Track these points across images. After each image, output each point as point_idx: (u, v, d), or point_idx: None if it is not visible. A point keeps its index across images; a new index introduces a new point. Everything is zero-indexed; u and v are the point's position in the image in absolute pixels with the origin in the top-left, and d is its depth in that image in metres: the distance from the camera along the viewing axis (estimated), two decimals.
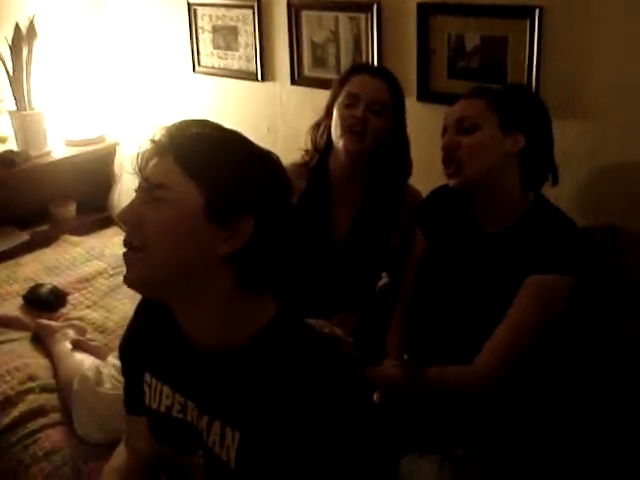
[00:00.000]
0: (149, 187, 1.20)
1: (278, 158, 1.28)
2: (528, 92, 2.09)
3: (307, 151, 2.37)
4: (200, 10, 3.49)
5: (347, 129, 2.16)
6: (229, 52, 3.43)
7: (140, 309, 1.50)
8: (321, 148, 2.31)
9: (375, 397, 1.87)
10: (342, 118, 2.18)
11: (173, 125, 1.24)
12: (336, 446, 1.18)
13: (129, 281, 1.24)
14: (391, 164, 2.27)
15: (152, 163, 1.21)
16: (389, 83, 2.22)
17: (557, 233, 1.82)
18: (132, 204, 1.22)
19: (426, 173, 2.27)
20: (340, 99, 2.21)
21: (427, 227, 2.13)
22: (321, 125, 2.31)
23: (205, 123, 1.26)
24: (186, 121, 1.25)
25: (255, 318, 1.26)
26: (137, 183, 1.24)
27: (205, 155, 1.19)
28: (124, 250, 1.23)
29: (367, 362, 1.80)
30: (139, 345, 1.45)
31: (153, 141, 1.22)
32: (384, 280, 2.47)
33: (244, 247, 1.19)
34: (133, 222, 1.21)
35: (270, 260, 1.25)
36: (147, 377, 1.41)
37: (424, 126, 2.34)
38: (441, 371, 1.84)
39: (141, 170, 1.23)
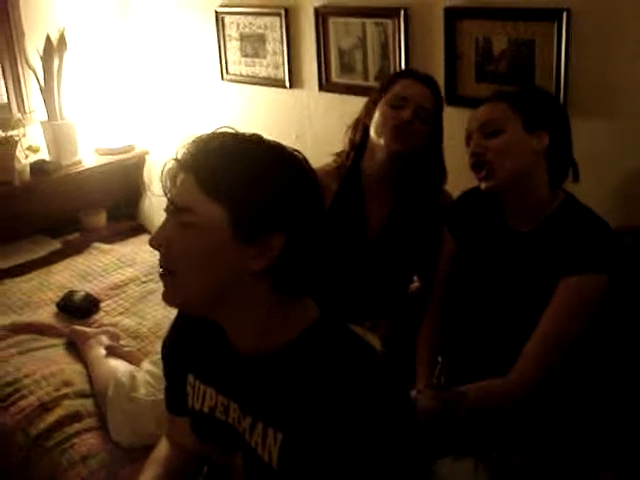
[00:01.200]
0: (175, 210, 1.22)
1: (306, 161, 1.27)
2: (545, 92, 2.09)
3: (339, 154, 2.38)
4: (228, 18, 3.52)
5: (391, 129, 2.16)
6: (257, 59, 3.46)
7: (182, 311, 1.52)
8: (356, 146, 2.32)
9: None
10: (387, 117, 2.18)
11: (194, 142, 1.23)
12: (375, 450, 1.18)
13: (167, 302, 1.28)
14: (425, 170, 2.28)
15: (176, 185, 1.22)
16: (435, 93, 2.24)
17: (588, 232, 1.82)
18: (162, 227, 1.24)
19: (455, 176, 2.28)
20: (385, 99, 2.21)
21: (456, 229, 2.14)
22: (359, 124, 2.31)
23: (228, 136, 1.25)
24: (208, 136, 1.24)
25: (297, 321, 1.27)
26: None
27: (227, 175, 1.18)
28: (160, 271, 1.26)
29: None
30: (182, 347, 1.47)
31: (176, 160, 1.23)
32: (416, 284, 2.48)
33: (277, 261, 1.19)
34: (163, 246, 1.23)
35: (304, 268, 1.25)
36: (190, 378, 1.43)
37: (452, 130, 2.34)
38: (477, 389, 1.82)
39: (166, 192, 1.24)
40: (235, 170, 1.18)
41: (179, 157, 1.22)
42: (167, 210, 1.24)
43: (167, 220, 1.24)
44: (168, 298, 1.27)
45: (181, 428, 1.51)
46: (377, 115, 2.22)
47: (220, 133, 1.25)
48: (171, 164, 1.23)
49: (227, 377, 1.35)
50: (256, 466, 1.28)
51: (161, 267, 1.25)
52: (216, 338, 1.33)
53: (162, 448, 1.60)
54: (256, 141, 1.25)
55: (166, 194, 1.24)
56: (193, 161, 1.20)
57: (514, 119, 1.88)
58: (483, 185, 1.91)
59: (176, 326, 1.52)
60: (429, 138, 2.23)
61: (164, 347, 1.56)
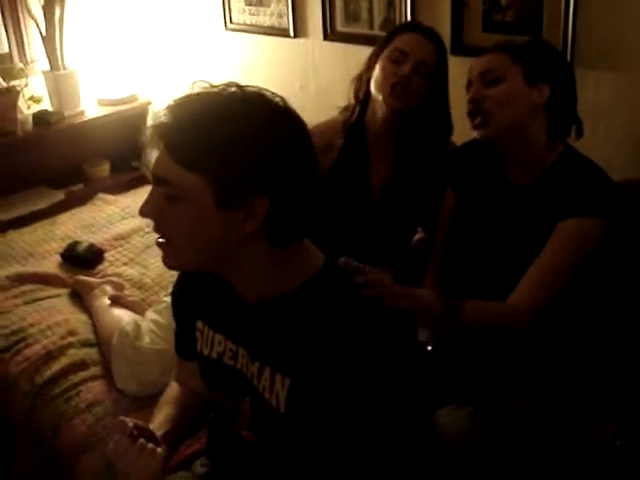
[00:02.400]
0: (157, 182, 1.21)
1: (288, 108, 1.23)
2: (549, 46, 2.05)
3: (346, 108, 2.36)
4: None
5: (389, 85, 2.14)
6: (261, 8, 3.41)
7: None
8: (360, 100, 2.30)
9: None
10: (386, 73, 2.15)
11: (168, 107, 1.19)
12: (381, 395, 1.20)
13: (167, 266, 1.30)
14: (429, 125, 2.26)
15: (154, 157, 1.20)
16: (438, 47, 2.20)
17: (587, 179, 1.81)
18: (149, 198, 1.23)
19: (459, 127, 2.26)
20: (386, 53, 2.18)
21: (455, 181, 2.14)
22: (362, 77, 2.28)
23: (201, 97, 1.21)
24: (181, 100, 1.20)
25: (303, 269, 1.28)
26: None
27: (200, 145, 1.15)
28: (157, 240, 1.27)
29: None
30: (190, 294, 1.49)
31: (152, 127, 1.20)
32: (419, 235, 2.47)
33: (267, 220, 1.19)
34: (153, 217, 1.23)
35: (297, 222, 1.25)
36: (199, 324, 1.45)
37: (458, 80, 2.31)
38: (479, 303, 1.81)
39: (147, 163, 1.23)
40: (207, 139, 1.15)
41: (155, 124, 1.19)
42: (152, 180, 1.23)
43: (152, 190, 1.23)
44: (168, 263, 1.29)
45: (190, 372, 1.53)
46: (377, 69, 2.19)
47: (193, 95, 1.21)
48: (150, 132, 1.21)
49: (235, 324, 1.36)
50: (263, 410, 1.31)
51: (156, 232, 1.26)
52: (223, 286, 1.33)
53: (172, 390, 1.63)
54: (231, 98, 1.20)
55: (147, 165, 1.23)
56: (165, 130, 1.18)
57: (515, 69, 1.85)
58: (477, 133, 1.90)
59: (183, 275, 1.53)
60: (432, 93, 2.20)
61: (173, 294, 1.57)
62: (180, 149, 1.16)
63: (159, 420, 1.52)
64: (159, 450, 1.36)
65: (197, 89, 1.22)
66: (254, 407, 1.33)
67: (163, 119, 1.18)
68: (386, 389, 1.21)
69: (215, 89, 1.22)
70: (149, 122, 1.19)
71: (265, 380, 1.29)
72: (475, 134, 1.92)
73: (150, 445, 1.35)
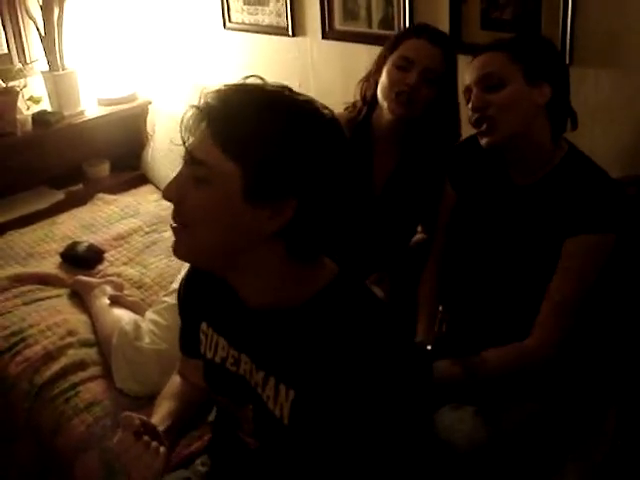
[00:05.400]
0: (191, 162, 1.19)
1: (335, 121, 1.22)
2: (543, 39, 2.01)
3: (354, 104, 2.35)
4: None
5: (395, 94, 2.12)
6: (259, 7, 3.41)
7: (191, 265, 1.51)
8: (368, 102, 2.29)
9: None
10: (392, 81, 2.14)
11: (217, 91, 1.18)
12: (386, 410, 1.18)
13: (177, 254, 1.27)
14: (436, 128, 2.25)
15: (194, 136, 1.19)
16: (446, 52, 2.17)
17: (593, 189, 1.78)
18: (177, 178, 1.22)
19: (464, 126, 2.25)
20: (393, 58, 2.16)
21: (456, 180, 2.12)
22: (370, 79, 2.27)
23: (253, 89, 1.20)
24: (232, 87, 1.19)
25: (313, 281, 1.26)
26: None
27: (243, 133, 1.14)
28: (173, 224, 1.24)
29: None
30: (195, 295, 1.47)
31: (196, 107, 1.18)
32: (419, 235, 2.47)
33: (289, 224, 1.16)
34: (175, 200, 1.21)
35: (318, 234, 1.22)
36: (204, 326, 1.43)
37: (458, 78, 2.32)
38: (497, 352, 1.81)
39: (184, 141, 1.20)
40: (252, 129, 1.14)
41: (200, 105, 1.18)
42: (184, 159, 1.21)
43: (182, 171, 1.21)
44: (178, 251, 1.26)
45: (194, 367, 1.51)
46: (384, 75, 2.17)
47: (245, 85, 1.21)
48: (191, 112, 1.19)
49: (239, 330, 1.34)
50: (266, 419, 1.29)
51: (173, 219, 1.24)
52: (227, 293, 1.31)
53: (174, 383, 1.62)
54: (283, 98, 1.20)
55: (184, 143, 1.20)
56: (211, 112, 1.16)
57: (515, 70, 1.81)
58: (484, 141, 1.86)
59: (190, 273, 1.51)
60: (439, 98, 2.18)
61: (179, 292, 1.56)
62: (223, 132, 1.15)
63: (161, 414, 1.51)
64: (162, 449, 1.35)
65: (250, 82, 1.22)
66: (257, 415, 1.32)
67: (209, 100, 1.17)
68: (392, 405, 1.19)
69: (268, 87, 1.21)
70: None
71: (270, 390, 1.27)
72: (481, 141, 1.88)
73: (154, 443, 1.33)
